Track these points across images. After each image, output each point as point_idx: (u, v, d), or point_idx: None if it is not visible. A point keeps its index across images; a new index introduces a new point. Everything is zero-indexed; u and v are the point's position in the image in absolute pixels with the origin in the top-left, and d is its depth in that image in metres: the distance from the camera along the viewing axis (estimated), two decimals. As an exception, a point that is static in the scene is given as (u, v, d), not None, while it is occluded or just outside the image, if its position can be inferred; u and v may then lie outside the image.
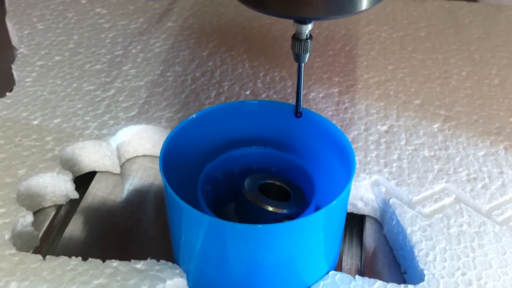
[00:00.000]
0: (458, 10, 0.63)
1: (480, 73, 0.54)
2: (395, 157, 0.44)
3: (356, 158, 0.43)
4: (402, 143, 0.45)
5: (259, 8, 0.33)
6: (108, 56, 0.54)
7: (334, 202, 0.32)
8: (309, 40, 0.35)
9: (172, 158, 0.36)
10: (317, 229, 0.33)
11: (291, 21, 0.34)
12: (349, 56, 0.56)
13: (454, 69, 0.54)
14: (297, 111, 0.39)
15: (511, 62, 0.56)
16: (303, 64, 0.37)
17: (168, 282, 0.35)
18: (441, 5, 0.64)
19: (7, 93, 0.49)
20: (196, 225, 0.33)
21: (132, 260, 0.36)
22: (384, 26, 0.60)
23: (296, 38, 0.35)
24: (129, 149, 0.47)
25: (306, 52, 0.36)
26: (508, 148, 0.45)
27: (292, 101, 0.49)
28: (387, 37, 0.59)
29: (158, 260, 0.36)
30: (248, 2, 0.33)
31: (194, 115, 0.38)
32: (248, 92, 0.51)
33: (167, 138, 0.36)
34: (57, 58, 0.54)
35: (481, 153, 0.45)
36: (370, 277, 0.36)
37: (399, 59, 0.55)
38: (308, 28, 0.35)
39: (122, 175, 0.46)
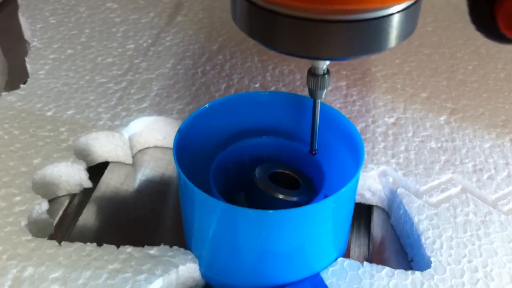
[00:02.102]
0: (465, 5, 0.63)
1: (487, 67, 0.55)
2: (402, 148, 0.45)
3: (365, 149, 0.44)
4: (409, 135, 0.46)
5: (271, 46, 0.29)
6: (120, 50, 0.55)
7: (343, 189, 0.33)
8: (326, 76, 0.33)
9: (184, 148, 0.37)
10: (326, 215, 0.34)
11: None
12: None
13: (460, 63, 0.55)
14: (312, 149, 0.37)
15: (517, 57, 0.56)
16: (319, 101, 0.35)
17: (181, 267, 0.36)
18: (448, 1, 0.65)
19: (21, 85, 0.50)
20: (208, 211, 0.33)
21: (145, 246, 0.37)
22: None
23: (312, 73, 0.33)
24: (141, 140, 0.48)
25: (322, 88, 0.33)
26: (514, 140, 0.46)
27: (300, 93, 0.50)
28: (394, 31, 0.59)
29: (171, 246, 0.37)
30: (259, 38, 0.30)
31: (207, 105, 0.38)
32: (257, 85, 0.51)
33: (180, 126, 0.37)
34: (70, 51, 0.55)
35: (487, 145, 0.46)
36: (377, 265, 0.37)
37: (406, 53, 0.56)
38: (326, 63, 0.32)
39: (134, 165, 0.47)
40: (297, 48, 0.28)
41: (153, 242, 0.38)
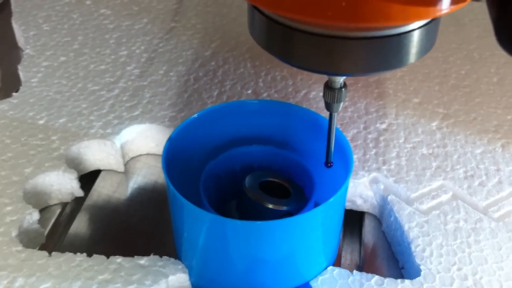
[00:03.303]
0: (458, 9, 0.63)
1: (479, 72, 0.55)
2: (393, 154, 0.45)
3: (355, 156, 0.44)
4: (401, 141, 0.46)
5: (290, 62, 0.29)
6: (113, 57, 0.55)
7: (332, 199, 0.33)
8: (343, 89, 0.32)
9: (174, 157, 0.37)
10: (315, 225, 0.34)
11: None
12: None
13: (453, 68, 0.55)
14: (328, 161, 0.36)
15: (510, 61, 0.56)
16: (335, 114, 0.34)
17: (171, 278, 0.36)
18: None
19: (14, 93, 0.50)
20: (198, 222, 0.33)
21: (135, 256, 0.37)
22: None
23: (329, 87, 0.32)
24: (133, 148, 0.48)
25: (339, 102, 0.33)
26: (506, 145, 0.46)
27: (292, 100, 0.50)
28: (387, 36, 0.59)
29: (161, 256, 0.37)
30: (278, 53, 0.29)
31: (196, 115, 0.39)
32: (249, 91, 0.51)
33: (169, 137, 0.37)
34: (63, 58, 0.55)
35: (478, 151, 0.46)
36: (368, 272, 0.37)
37: (399, 58, 0.56)
38: (343, 77, 0.32)
39: (126, 173, 0.47)
40: (316, 64, 0.28)
41: (144, 251, 0.38)
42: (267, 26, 0.29)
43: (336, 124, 0.35)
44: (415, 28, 0.27)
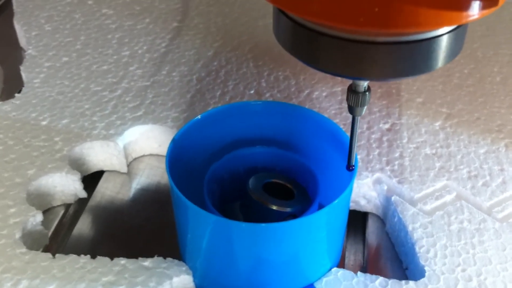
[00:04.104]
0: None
1: (483, 71, 0.55)
2: (397, 155, 0.45)
3: (359, 157, 0.44)
4: (404, 141, 0.46)
5: (316, 66, 0.29)
6: (115, 57, 0.55)
7: (336, 201, 0.33)
8: (367, 93, 0.32)
9: (178, 158, 0.37)
10: (320, 227, 0.34)
11: None
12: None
13: (456, 67, 0.55)
14: (349, 165, 0.35)
15: (513, 60, 0.56)
16: (358, 118, 0.34)
17: (175, 279, 0.36)
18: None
19: (16, 94, 0.50)
20: (202, 224, 0.33)
21: (139, 258, 0.37)
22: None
23: (353, 90, 0.32)
24: (136, 149, 0.48)
25: (362, 106, 0.32)
26: (509, 145, 0.46)
27: (295, 100, 0.50)
28: (390, 35, 0.59)
29: (165, 258, 0.37)
30: (303, 57, 0.29)
31: (199, 116, 0.38)
32: (252, 92, 0.51)
33: (172, 139, 0.37)
34: (65, 59, 0.55)
35: (482, 151, 0.46)
36: (372, 273, 0.37)
37: (401, 58, 0.56)
38: (368, 81, 0.31)
39: (129, 174, 0.47)
40: (343, 69, 0.28)
41: (148, 252, 0.38)
42: (293, 30, 0.28)
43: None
44: (444, 33, 0.27)
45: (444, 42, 0.27)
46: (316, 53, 0.28)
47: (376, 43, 0.26)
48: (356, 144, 0.35)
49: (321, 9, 0.25)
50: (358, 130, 0.34)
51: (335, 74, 0.29)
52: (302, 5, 0.25)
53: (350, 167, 0.36)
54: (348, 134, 0.36)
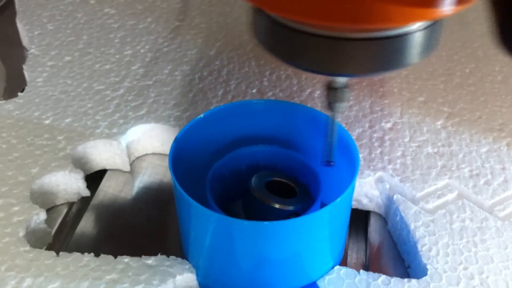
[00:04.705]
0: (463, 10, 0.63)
1: (484, 70, 0.55)
2: (399, 154, 0.45)
3: (361, 155, 0.44)
4: (406, 140, 0.46)
5: (292, 64, 0.29)
6: (117, 56, 0.55)
7: (338, 199, 0.33)
8: (345, 89, 0.32)
9: (180, 157, 0.37)
10: (322, 225, 0.34)
11: None
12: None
13: (457, 66, 0.55)
14: (329, 161, 0.36)
15: (515, 59, 0.56)
16: (337, 115, 0.34)
17: (178, 277, 0.36)
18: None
19: (19, 93, 0.50)
20: (204, 222, 0.34)
21: (143, 256, 0.37)
22: (388, 23, 0.61)
23: (331, 87, 0.32)
24: (139, 148, 0.48)
25: (341, 102, 0.32)
26: (511, 144, 0.46)
27: (297, 99, 0.50)
28: (391, 34, 0.59)
29: (168, 256, 0.37)
30: (280, 55, 0.29)
31: (202, 115, 0.39)
32: (254, 91, 0.51)
33: (175, 138, 0.37)
34: (67, 58, 0.55)
35: (483, 150, 0.46)
36: (375, 271, 0.37)
37: (403, 57, 0.56)
38: (346, 77, 0.32)
39: (132, 173, 0.48)
40: (319, 66, 0.28)
41: (151, 250, 0.38)
42: (269, 28, 0.29)
43: (337, 123, 0.35)
44: (418, 29, 0.27)
45: (418, 38, 0.27)
46: (292, 51, 0.28)
47: (351, 39, 0.26)
48: (335, 141, 0.35)
49: (291, 5, 0.25)
50: (336, 127, 0.35)
51: (312, 71, 0.29)
52: (272, 0, 0.25)
53: (328, 163, 0.36)
54: (350, 133, 0.37)
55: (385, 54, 0.27)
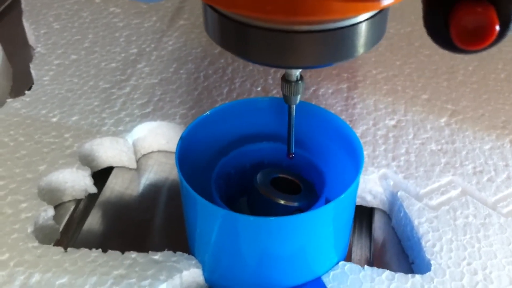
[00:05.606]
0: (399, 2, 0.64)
1: (487, 68, 0.55)
2: (403, 151, 0.45)
3: (365, 152, 0.45)
4: (410, 137, 0.47)
5: (243, 57, 0.30)
6: (123, 55, 0.56)
7: (343, 196, 0.33)
8: (299, 82, 0.33)
9: (186, 155, 0.37)
10: (327, 221, 0.34)
11: None
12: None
13: (460, 64, 0.55)
14: (289, 153, 0.38)
15: (518, 57, 0.57)
16: (293, 107, 0.35)
17: (185, 273, 0.37)
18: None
19: (26, 92, 0.51)
20: (210, 218, 0.34)
21: (150, 252, 0.38)
22: (391, 21, 0.61)
23: (285, 80, 0.33)
24: (145, 145, 0.49)
25: (296, 94, 0.34)
26: (514, 141, 0.47)
27: (301, 96, 0.50)
28: (394, 32, 0.60)
29: (174, 252, 0.38)
30: (231, 49, 0.30)
31: (208, 112, 0.39)
32: (259, 89, 0.52)
33: (182, 134, 0.37)
34: (74, 57, 0.56)
35: (487, 147, 0.46)
36: (379, 267, 0.37)
37: (406, 55, 0.56)
38: (298, 70, 0.33)
39: (138, 170, 0.48)
40: (267, 58, 0.28)
41: (157, 246, 0.39)
42: (219, 22, 0.29)
43: (294, 117, 0.36)
44: (361, 20, 0.28)
45: (364, 28, 0.28)
46: (242, 45, 0.29)
47: (297, 32, 0.27)
48: (293, 133, 0.36)
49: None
50: (294, 119, 0.36)
51: (263, 64, 0.29)
52: None
53: (289, 155, 0.37)
54: (355, 130, 0.37)
55: (332, 46, 0.28)
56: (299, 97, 0.34)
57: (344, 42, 0.28)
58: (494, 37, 0.24)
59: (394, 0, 0.25)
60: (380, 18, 0.29)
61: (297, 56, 0.28)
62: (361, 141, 0.44)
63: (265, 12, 0.25)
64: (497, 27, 0.24)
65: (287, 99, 0.34)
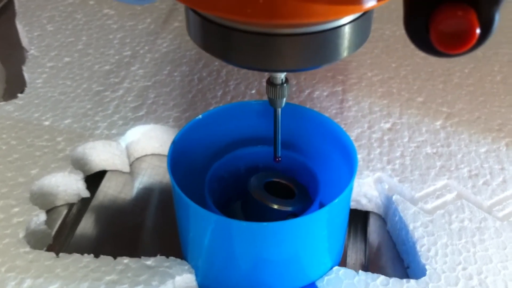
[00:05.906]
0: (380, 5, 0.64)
1: (483, 70, 0.55)
2: (398, 154, 0.45)
3: (360, 156, 0.44)
4: (405, 140, 0.46)
5: (226, 60, 0.29)
6: (117, 57, 0.56)
7: (336, 200, 0.33)
8: (284, 85, 0.33)
9: (179, 158, 0.37)
10: (320, 226, 0.34)
11: None
12: (352, 54, 0.56)
13: (456, 66, 0.55)
14: (276, 157, 0.37)
15: (514, 59, 0.56)
16: (279, 110, 0.35)
17: (177, 278, 0.36)
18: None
19: (19, 95, 0.51)
20: (203, 223, 0.34)
21: (142, 257, 0.37)
22: (387, 23, 0.61)
23: (271, 83, 0.33)
24: (138, 148, 0.48)
25: (281, 98, 0.33)
26: (510, 144, 0.46)
27: (296, 100, 0.50)
28: (390, 34, 0.60)
29: (167, 257, 0.37)
30: (214, 53, 0.29)
31: (200, 116, 0.39)
32: (253, 91, 0.52)
33: (174, 138, 0.37)
34: (67, 59, 0.55)
35: (482, 150, 0.46)
36: (374, 271, 0.37)
37: (402, 57, 0.56)
38: (283, 73, 0.32)
39: (131, 173, 0.48)
40: (250, 62, 0.28)
41: (150, 251, 0.38)
42: (201, 26, 0.28)
43: (279, 120, 0.36)
44: (343, 23, 0.27)
45: (345, 32, 0.27)
46: (225, 48, 0.28)
47: (277, 35, 0.27)
48: (279, 137, 0.36)
49: (215, 2, 0.25)
50: (280, 123, 0.35)
51: (246, 67, 0.29)
52: None
53: (276, 159, 0.37)
54: (349, 133, 0.37)
55: (315, 49, 0.27)
56: (284, 100, 0.34)
57: (327, 45, 0.27)
58: (474, 41, 0.23)
59: (376, 3, 0.25)
60: (364, 21, 0.28)
61: (279, 59, 0.27)
62: (356, 144, 0.44)
63: (246, 15, 0.24)
64: (478, 31, 0.23)
65: (272, 102, 0.34)
